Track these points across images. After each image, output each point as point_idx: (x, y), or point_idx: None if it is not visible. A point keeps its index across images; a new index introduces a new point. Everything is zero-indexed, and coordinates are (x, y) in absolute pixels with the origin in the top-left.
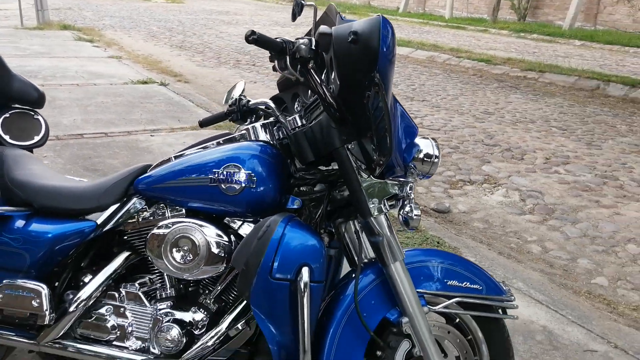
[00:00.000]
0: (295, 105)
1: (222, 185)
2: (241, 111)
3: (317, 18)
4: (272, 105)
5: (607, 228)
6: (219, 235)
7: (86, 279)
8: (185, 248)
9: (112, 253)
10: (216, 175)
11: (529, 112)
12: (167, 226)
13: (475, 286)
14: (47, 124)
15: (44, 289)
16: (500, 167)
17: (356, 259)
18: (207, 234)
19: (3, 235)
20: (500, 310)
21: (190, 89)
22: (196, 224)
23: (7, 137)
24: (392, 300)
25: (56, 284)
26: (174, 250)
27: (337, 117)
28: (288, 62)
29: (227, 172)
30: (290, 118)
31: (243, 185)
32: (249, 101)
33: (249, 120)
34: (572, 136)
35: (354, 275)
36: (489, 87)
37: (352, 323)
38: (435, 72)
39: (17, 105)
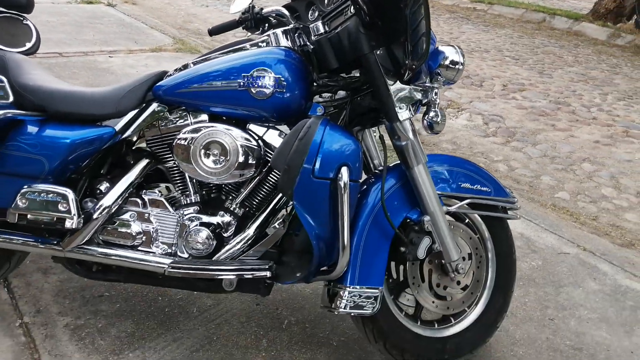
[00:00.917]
0: (310, 14)
1: (252, 90)
2: (255, 19)
3: None
4: (287, 12)
5: (564, 149)
6: (248, 140)
7: (102, 187)
8: (215, 152)
9: (124, 161)
10: (246, 79)
11: (482, 42)
12: (194, 131)
13: (484, 189)
14: (37, 30)
15: (69, 193)
16: (462, 93)
17: (372, 164)
18: (238, 139)
19: (18, 140)
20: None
21: (139, 11)
22: (226, 128)
23: None
24: (413, 201)
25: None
26: (204, 154)
27: (366, 22)
28: None
29: (256, 75)
30: (312, 25)
31: (272, 89)
32: (262, 9)
33: (261, 28)
34: (524, 65)
35: (372, 179)
36: (441, 17)
37: (378, 221)
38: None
39: (3, 10)
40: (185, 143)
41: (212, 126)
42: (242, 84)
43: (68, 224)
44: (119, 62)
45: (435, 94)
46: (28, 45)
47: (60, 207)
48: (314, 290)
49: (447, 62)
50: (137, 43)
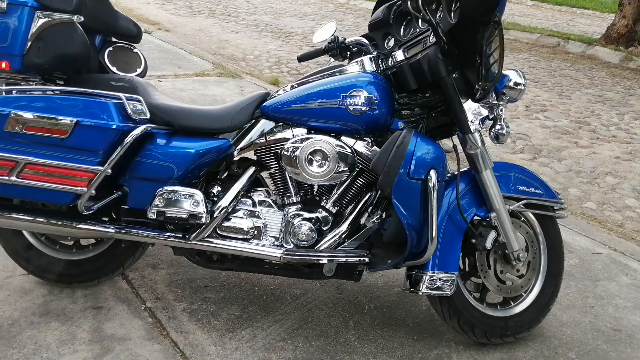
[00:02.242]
0: (386, 42)
1: (349, 107)
2: (339, 48)
3: None
4: (366, 42)
5: (588, 164)
6: (343, 148)
7: (215, 190)
8: (317, 159)
9: (231, 168)
10: (344, 98)
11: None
12: (299, 141)
13: (537, 191)
14: (145, 57)
15: (199, 194)
16: None
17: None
18: (336, 147)
19: (152, 150)
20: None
21: (174, 38)
22: (325, 138)
23: (114, 69)
24: (480, 201)
25: None
26: (308, 161)
27: (445, 49)
28: (409, 4)
29: (353, 95)
30: (393, 52)
31: (366, 107)
32: (345, 39)
33: (343, 55)
34: (544, 87)
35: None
36: None
37: (452, 217)
38: None
39: (117, 40)
40: (293, 152)
41: (314, 137)
42: (340, 102)
43: (198, 219)
44: (169, 85)
45: (501, 110)
46: (138, 70)
47: (192, 206)
48: (386, 282)
49: (511, 84)
50: (181, 68)
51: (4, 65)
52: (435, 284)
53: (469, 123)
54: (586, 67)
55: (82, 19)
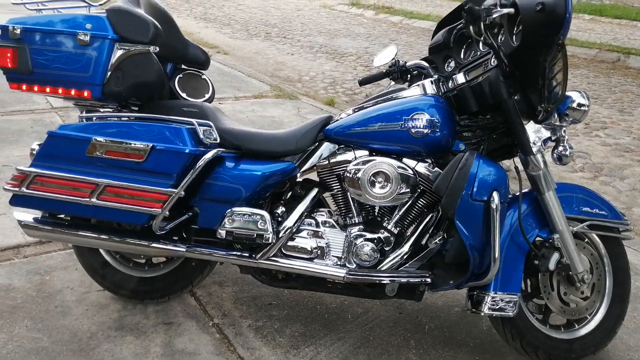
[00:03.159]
0: (447, 66)
1: (412, 130)
2: (400, 71)
3: None
4: (426, 65)
5: None
6: (405, 170)
7: (279, 210)
8: (380, 180)
9: (294, 189)
10: (406, 121)
11: None
12: (362, 163)
13: (602, 212)
14: (212, 84)
15: (266, 215)
16: None
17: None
18: (398, 169)
19: (221, 173)
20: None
21: (232, 61)
22: (387, 161)
23: (183, 95)
24: (542, 222)
25: None
26: (371, 182)
27: (507, 72)
28: (471, 28)
29: (415, 118)
30: (454, 75)
31: (428, 130)
32: (405, 62)
33: (404, 78)
34: (604, 104)
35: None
36: None
37: (514, 238)
38: None
39: (187, 67)
40: (355, 174)
41: (376, 159)
42: (402, 125)
43: (264, 239)
44: (228, 108)
45: (564, 131)
46: (206, 96)
47: (260, 226)
48: (446, 302)
49: (574, 105)
50: (240, 90)
51: (85, 94)
52: (497, 305)
53: (531, 144)
54: None
55: (158, 49)
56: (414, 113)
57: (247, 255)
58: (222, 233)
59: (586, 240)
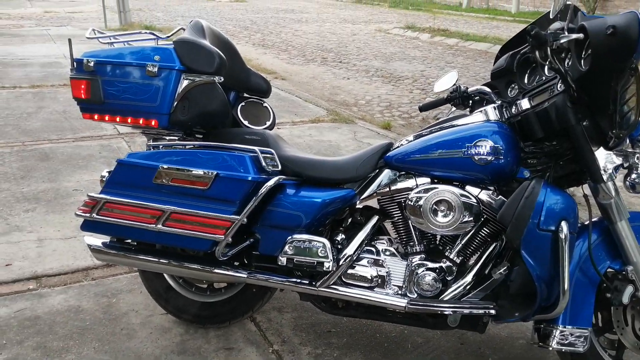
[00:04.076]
0: (509, 91)
1: (475, 157)
2: (462, 97)
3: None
4: (489, 90)
5: None
6: (468, 198)
7: (339, 237)
8: (442, 209)
9: (354, 216)
10: (469, 148)
11: None
12: (424, 191)
13: None
14: (273, 111)
15: (327, 243)
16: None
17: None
18: (461, 197)
19: (282, 200)
20: None
21: (290, 86)
22: (451, 189)
23: (246, 122)
24: (614, 253)
25: None
26: (433, 211)
27: (574, 97)
28: (537, 53)
29: (478, 145)
30: (518, 101)
31: (492, 157)
32: (467, 88)
33: (465, 104)
34: None
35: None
36: None
37: (584, 269)
38: None
39: (249, 95)
40: (417, 201)
41: (438, 187)
42: (465, 152)
43: (325, 267)
44: (286, 132)
45: (638, 158)
46: (267, 123)
47: (320, 254)
48: (510, 333)
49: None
50: (297, 115)
51: (153, 122)
52: (567, 340)
53: (602, 172)
54: None
55: (222, 79)
56: (476, 140)
57: (307, 282)
58: (283, 260)
59: None
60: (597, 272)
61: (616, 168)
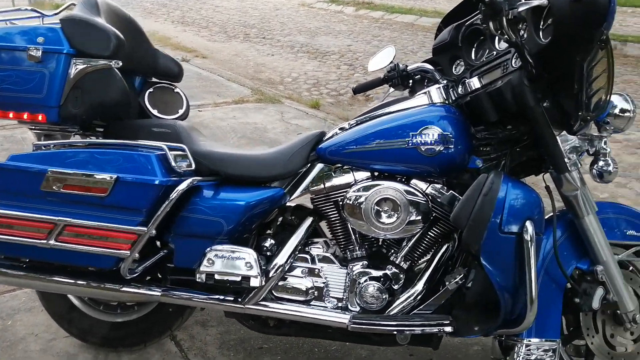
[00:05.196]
0: (455, 68)
1: (421, 147)
2: (401, 76)
3: None
4: (431, 68)
5: None
6: (416, 195)
7: (268, 244)
8: (386, 209)
9: (285, 218)
10: (414, 137)
11: None
12: (364, 189)
13: None
14: (187, 98)
15: (252, 254)
16: None
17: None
18: (407, 195)
19: (199, 204)
20: None
21: (211, 64)
22: (394, 185)
23: (155, 111)
24: (581, 251)
25: None
26: (376, 211)
27: (533, 74)
28: (491, 24)
29: (425, 133)
30: (469, 80)
31: (441, 146)
32: (406, 66)
33: (405, 84)
34: None
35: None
36: None
37: (550, 272)
38: None
39: (157, 80)
40: (357, 201)
41: (381, 184)
42: (410, 142)
43: (253, 282)
44: (208, 115)
45: (605, 143)
46: (180, 112)
47: (245, 267)
48: (463, 340)
49: (616, 111)
50: (220, 96)
51: (40, 117)
52: (533, 355)
53: (566, 160)
54: None
55: (120, 63)
56: (422, 127)
57: (232, 299)
58: (202, 277)
59: (631, 268)
60: (564, 274)
61: (580, 155)
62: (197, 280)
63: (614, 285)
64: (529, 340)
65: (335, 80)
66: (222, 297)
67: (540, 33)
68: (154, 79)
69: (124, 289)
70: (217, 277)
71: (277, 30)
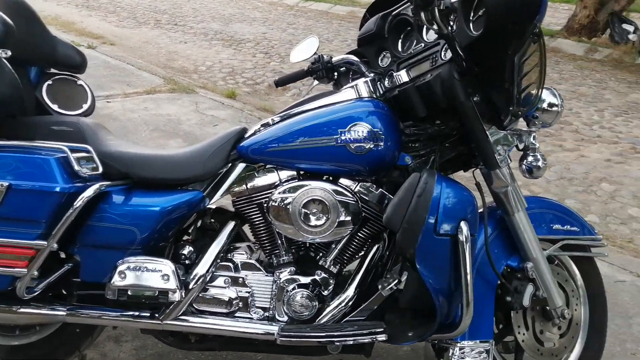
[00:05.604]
0: (380, 60)
1: (351, 145)
2: (326, 68)
3: None
4: (356, 60)
5: (579, 169)
6: (345, 196)
7: (186, 252)
8: (314, 211)
9: (205, 222)
10: (343, 135)
11: None
12: (290, 190)
13: (574, 228)
14: (92, 90)
15: (170, 265)
16: None
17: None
18: (336, 195)
19: (108, 212)
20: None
21: (120, 52)
22: (322, 185)
23: (55, 107)
24: (511, 248)
25: None
26: (304, 214)
27: (463, 67)
28: (423, 13)
29: (354, 130)
30: (397, 73)
31: (371, 143)
32: (331, 57)
33: (329, 77)
34: None
35: None
36: None
37: (481, 271)
38: None
39: (57, 72)
40: (283, 203)
41: (309, 184)
42: (338, 140)
43: (171, 296)
44: (118, 107)
45: (534, 138)
46: (85, 107)
47: (162, 280)
48: None
49: (544, 105)
50: (130, 86)
51: None
52: (466, 357)
53: (496, 156)
54: (552, 60)
55: (10, 53)
56: (351, 124)
57: (149, 315)
58: (113, 292)
59: (556, 262)
60: (496, 273)
61: (509, 150)
62: (108, 296)
63: (544, 282)
64: (463, 343)
65: (251, 69)
66: (136, 313)
67: (471, 25)
68: (53, 70)
69: (21, 310)
70: (130, 292)
71: (190, 17)
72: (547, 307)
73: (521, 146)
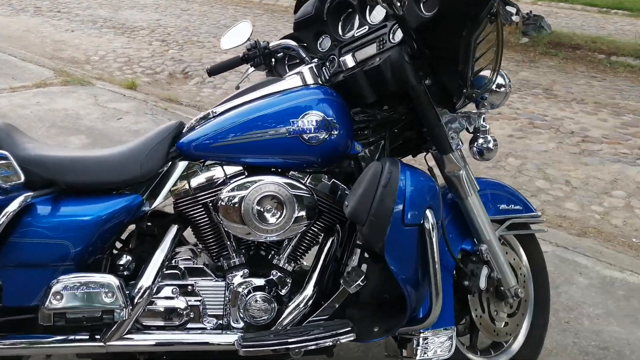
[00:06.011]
0: (319, 44)
1: (304, 136)
2: (263, 54)
3: None
4: (295, 44)
5: None
6: (300, 189)
7: (123, 262)
8: (269, 207)
9: (142, 227)
10: (295, 125)
11: None
12: (240, 187)
13: (517, 207)
14: None
15: (114, 280)
16: None
17: None
18: (291, 189)
19: (33, 225)
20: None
21: None
22: (275, 179)
23: None
24: (465, 231)
25: None
26: (257, 212)
27: (414, 50)
28: None
29: (307, 120)
30: (342, 58)
31: (325, 133)
32: (268, 43)
33: (266, 63)
34: None
35: None
36: None
37: (440, 256)
38: (257, 12)
39: None
40: (233, 201)
41: (261, 179)
42: (290, 131)
43: (117, 315)
44: (5, 102)
45: (484, 119)
46: None
47: (106, 298)
48: None
49: (492, 87)
50: (16, 79)
51: None
52: (430, 346)
53: (449, 140)
54: None
55: None
56: (303, 114)
57: (88, 338)
58: (48, 317)
59: (502, 242)
60: (453, 258)
61: (458, 133)
62: (41, 322)
63: (497, 263)
64: (426, 333)
65: (149, 58)
66: (73, 337)
67: (422, 5)
68: None
69: None
70: (69, 314)
71: (74, 4)
72: (501, 288)
73: (471, 129)
